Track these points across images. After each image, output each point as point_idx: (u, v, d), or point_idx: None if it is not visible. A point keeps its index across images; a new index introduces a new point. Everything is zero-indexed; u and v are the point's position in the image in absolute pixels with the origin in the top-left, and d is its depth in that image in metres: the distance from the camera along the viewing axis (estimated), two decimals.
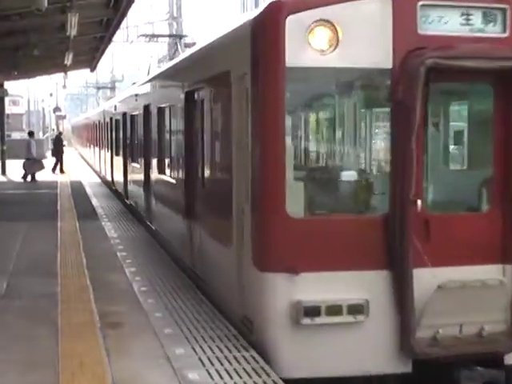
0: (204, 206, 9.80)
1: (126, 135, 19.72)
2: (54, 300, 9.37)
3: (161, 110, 13.34)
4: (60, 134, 41.86)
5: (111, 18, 21.75)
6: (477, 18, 7.17)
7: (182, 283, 10.29)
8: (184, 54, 13.00)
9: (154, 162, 14.32)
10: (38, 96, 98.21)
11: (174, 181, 12.03)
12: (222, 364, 6.86)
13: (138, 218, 17.07)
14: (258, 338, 7.27)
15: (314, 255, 6.95)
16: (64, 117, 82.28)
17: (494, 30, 7.18)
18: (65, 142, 42.37)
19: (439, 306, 6.95)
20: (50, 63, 30.15)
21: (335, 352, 7.01)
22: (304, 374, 6.98)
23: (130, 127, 18.84)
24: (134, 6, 19.64)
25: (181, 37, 34.90)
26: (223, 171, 8.63)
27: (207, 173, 9.63)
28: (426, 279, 6.94)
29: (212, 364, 6.86)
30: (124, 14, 21.14)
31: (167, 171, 12.92)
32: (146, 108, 15.20)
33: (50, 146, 47.86)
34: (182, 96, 10.81)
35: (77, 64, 31.10)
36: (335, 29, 6.87)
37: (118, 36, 38.30)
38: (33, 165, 31.23)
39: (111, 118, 24.51)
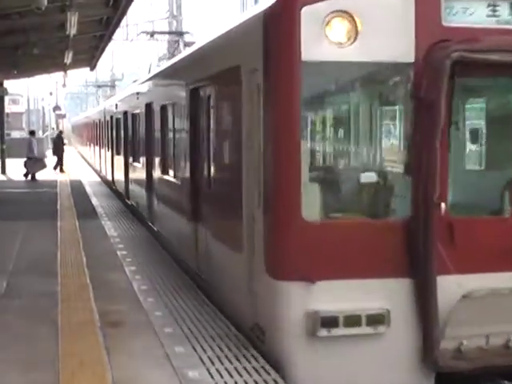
0: (211, 208, 9.40)
1: (127, 134, 19.43)
2: (54, 299, 9.36)
3: (164, 109, 13.01)
4: (61, 132, 41.93)
5: (111, 17, 21.71)
6: (504, 10, 6.78)
7: (182, 282, 10.28)
8: (189, 49, 12.49)
9: (157, 161, 13.94)
10: (38, 95, 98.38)
11: (178, 182, 11.69)
12: (222, 363, 6.85)
13: (139, 219, 16.89)
14: (271, 348, 6.91)
15: (331, 262, 6.55)
16: (64, 116, 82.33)
17: None
18: (65, 141, 42.39)
19: (464, 316, 6.57)
20: (49, 62, 30.14)
21: (353, 365, 6.64)
22: None
23: (131, 126, 18.57)
24: (133, 4, 19.63)
25: (182, 34, 34.78)
26: (232, 172, 8.18)
27: (214, 174, 9.23)
28: (450, 287, 6.56)
29: (212, 363, 6.85)
30: (124, 13, 21.12)
31: (171, 172, 12.52)
32: (148, 106, 14.88)
33: (50, 144, 47.92)
34: (187, 93, 10.44)
35: (76, 63, 31.07)
36: (354, 20, 6.47)
37: (118, 34, 38.34)
38: (34, 164, 31.21)
39: (112, 117, 24.34)
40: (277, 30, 6.63)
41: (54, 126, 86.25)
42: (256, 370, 6.64)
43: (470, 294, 6.56)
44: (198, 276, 10.07)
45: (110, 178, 25.32)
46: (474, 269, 6.67)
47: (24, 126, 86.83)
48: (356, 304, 6.49)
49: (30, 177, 30.70)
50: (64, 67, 32.11)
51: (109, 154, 25.37)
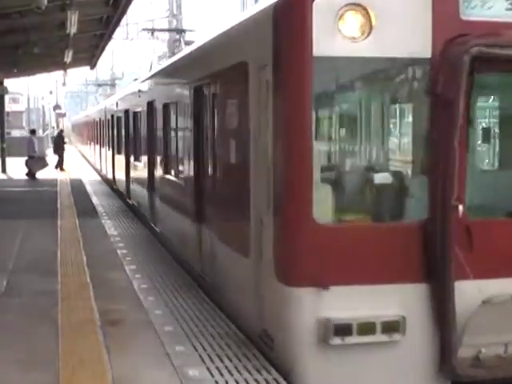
0: (216, 209, 9.08)
1: (129, 133, 19.17)
2: (54, 298, 9.36)
3: (166, 107, 12.75)
4: (61, 131, 42.10)
5: (111, 16, 21.71)
6: None
7: (182, 281, 10.28)
8: (192, 46, 11.95)
9: (160, 161, 13.66)
10: (38, 94, 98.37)
11: (181, 182, 11.43)
12: (222, 361, 6.85)
13: (141, 219, 16.73)
14: (280, 356, 6.63)
15: (344, 267, 6.25)
16: (64, 114, 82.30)
17: None
18: (66, 140, 42.45)
19: (483, 323, 6.30)
20: (49, 61, 30.13)
21: (367, 374, 6.37)
22: None
23: (132, 125, 18.34)
24: (133, 3, 19.64)
25: (184, 31, 34.75)
26: (238, 172, 7.89)
27: (219, 174, 8.91)
28: (468, 292, 6.27)
29: (212, 361, 6.85)
30: (124, 12, 21.12)
31: (174, 171, 12.30)
32: (150, 104, 14.62)
33: (51, 143, 47.95)
34: (191, 91, 10.14)
35: (77, 62, 31.06)
36: (368, 14, 6.18)
37: (118, 33, 38.29)
38: (36, 163, 31.18)
39: (112, 116, 24.21)
40: (287, 24, 6.33)
41: (54, 124, 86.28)
42: (256, 369, 6.63)
43: (490, 299, 6.31)
44: (201, 278, 9.91)
45: (110, 177, 25.24)
46: (494, 273, 6.40)
47: (24, 124, 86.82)
48: (370, 311, 6.21)
49: (26, 174, 30.63)
50: (64, 66, 32.12)
51: (109, 153, 25.26)
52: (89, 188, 26.02)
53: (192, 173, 10.27)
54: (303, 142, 6.25)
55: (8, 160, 34.74)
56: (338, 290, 6.20)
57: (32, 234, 14.96)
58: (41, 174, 30.84)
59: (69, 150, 46.25)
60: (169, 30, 37.14)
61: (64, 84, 51.81)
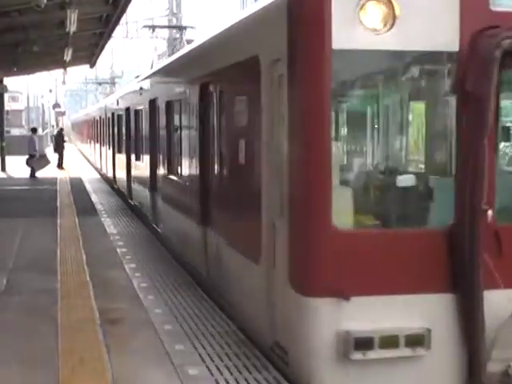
0: (224, 211, 8.67)
1: (130, 132, 18.80)
2: (54, 296, 9.36)
3: (170, 105, 12.36)
4: (61, 130, 42.23)
5: (111, 14, 21.73)
6: None
7: (182, 280, 10.28)
8: (198, 41, 11.42)
9: (164, 160, 13.18)
10: (38, 92, 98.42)
11: (187, 183, 10.96)
12: (222, 360, 6.85)
13: (142, 220, 16.50)
14: (295, 371, 6.20)
15: (365, 276, 5.83)
16: (63, 113, 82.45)
17: None
18: (66, 138, 42.51)
19: None
20: (49, 59, 30.15)
21: None
22: None
23: (134, 123, 18.02)
24: (133, 1, 19.66)
25: (185, 28, 34.69)
26: (248, 173, 7.49)
27: (228, 174, 8.50)
28: (498, 303, 5.87)
29: (212, 360, 6.85)
30: (123, 10, 21.13)
31: (179, 172, 11.80)
32: (152, 102, 14.28)
33: (50, 142, 47.99)
34: (197, 88, 9.73)
35: (76, 60, 31.09)
36: (391, 4, 5.77)
37: (118, 32, 38.28)
38: (38, 161, 31.14)
39: (113, 114, 24.02)
40: (304, 15, 5.88)
41: (53, 123, 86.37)
42: (256, 368, 6.63)
43: None
44: (206, 281, 9.64)
45: (110, 176, 25.11)
46: None
47: (24, 123, 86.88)
48: (393, 323, 5.80)
49: (30, 173, 30.61)
50: (64, 64, 32.13)
51: (110, 152, 25.10)
52: (88, 186, 26.02)
53: (198, 173, 9.92)
54: (321, 142, 5.83)
55: (7, 159, 34.76)
56: (359, 301, 5.78)
57: (32, 233, 14.96)
58: (40, 173, 30.83)
59: (68, 148, 46.25)
60: (170, 27, 37.11)
61: (64, 82, 51.95)
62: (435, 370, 5.96)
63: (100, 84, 78.32)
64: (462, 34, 5.87)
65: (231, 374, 6.51)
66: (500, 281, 5.89)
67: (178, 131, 11.95)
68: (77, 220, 16.58)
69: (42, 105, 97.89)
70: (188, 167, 10.89)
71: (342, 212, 5.92)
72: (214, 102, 9.06)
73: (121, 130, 21.49)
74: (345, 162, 6.77)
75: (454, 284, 5.93)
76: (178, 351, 7.12)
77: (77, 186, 26.22)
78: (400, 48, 5.89)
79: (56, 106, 78.07)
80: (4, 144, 34.97)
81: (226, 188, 8.56)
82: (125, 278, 10.51)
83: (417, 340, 5.81)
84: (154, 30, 35.91)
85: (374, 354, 5.76)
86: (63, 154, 36.63)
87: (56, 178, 29.35)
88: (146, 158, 15.58)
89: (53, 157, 36.27)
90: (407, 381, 5.95)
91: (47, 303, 9.05)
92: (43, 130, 75.50)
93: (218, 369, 6.62)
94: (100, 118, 30.74)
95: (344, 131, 6.88)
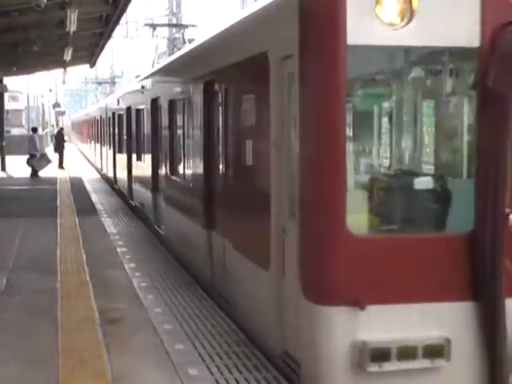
0: (230, 214, 8.37)
1: (131, 131, 18.60)
2: (54, 296, 9.36)
3: (173, 104, 12.12)
4: (61, 129, 42.24)
5: (111, 14, 21.72)
6: None
7: (182, 279, 10.29)
8: (202, 38, 11.09)
9: (167, 161, 12.89)
10: (38, 92, 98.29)
11: (191, 184, 10.66)
12: (221, 359, 6.86)
13: (143, 221, 16.36)
14: (307, 383, 5.91)
15: (382, 283, 5.56)
16: (63, 112, 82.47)
17: None
18: (66, 138, 42.54)
19: None
20: (49, 59, 30.15)
21: None
22: None
23: (135, 123, 17.83)
24: (133, 1, 19.66)
25: (186, 26, 34.67)
26: (256, 175, 7.25)
27: (234, 176, 8.19)
28: None
29: (212, 360, 6.85)
30: (123, 10, 21.13)
31: (183, 173, 11.55)
32: (154, 101, 14.08)
33: (50, 141, 48.02)
34: (201, 86, 9.46)
35: (76, 60, 31.07)
36: None
37: (118, 32, 38.27)
38: (39, 161, 31.12)
39: (114, 113, 23.90)
40: (317, 9, 5.61)
41: (53, 122, 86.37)
42: (256, 368, 6.64)
43: None
44: (211, 287, 9.40)
45: (111, 176, 25.03)
46: None
47: (24, 123, 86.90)
48: (411, 333, 5.54)
49: (31, 173, 30.60)
50: (64, 64, 32.11)
51: (110, 151, 25.01)
52: (88, 186, 26.01)
53: (203, 174, 9.64)
54: (335, 143, 5.53)
55: (7, 158, 34.76)
56: (375, 310, 5.50)
57: (32, 233, 14.96)
58: (40, 172, 30.81)
59: (68, 148, 46.26)
60: (171, 26, 37.09)
61: (64, 82, 51.92)
62: (455, 382, 5.73)
63: (100, 84, 78.36)
64: (483, 29, 5.61)
65: (231, 373, 6.51)
66: None
67: (181, 131, 11.74)
68: (77, 220, 16.58)
69: (42, 104, 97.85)
70: (192, 168, 10.64)
71: (357, 216, 5.68)
72: (219, 101, 8.81)
73: (121, 130, 21.36)
74: (360, 164, 6.49)
75: (474, 292, 5.67)
76: (177, 351, 7.12)
77: (77, 185, 26.22)
78: (418, 43, 5.64)
79: (56, 105, 78.07)
80: (4, 144, 34.97)
81: (232, 190, 8.28)
82: (125, 277, 10.52)
83: (436, 351, 5.56)
84: (154, 29, 35.88)
85: (391, 366, 5.51)
86: (63, 154, 36.64)
87: (56, 178, 29.35)
88: (148, 158, 15.36)
89: (53, 156, 36.30)
90: None
91: (47, 303, 9.06)
92: (43, 130, 75.49)
93: (218, 368, 6.62)
94: (100, 117, 30.66)
95: (360, 131, 6.47)
